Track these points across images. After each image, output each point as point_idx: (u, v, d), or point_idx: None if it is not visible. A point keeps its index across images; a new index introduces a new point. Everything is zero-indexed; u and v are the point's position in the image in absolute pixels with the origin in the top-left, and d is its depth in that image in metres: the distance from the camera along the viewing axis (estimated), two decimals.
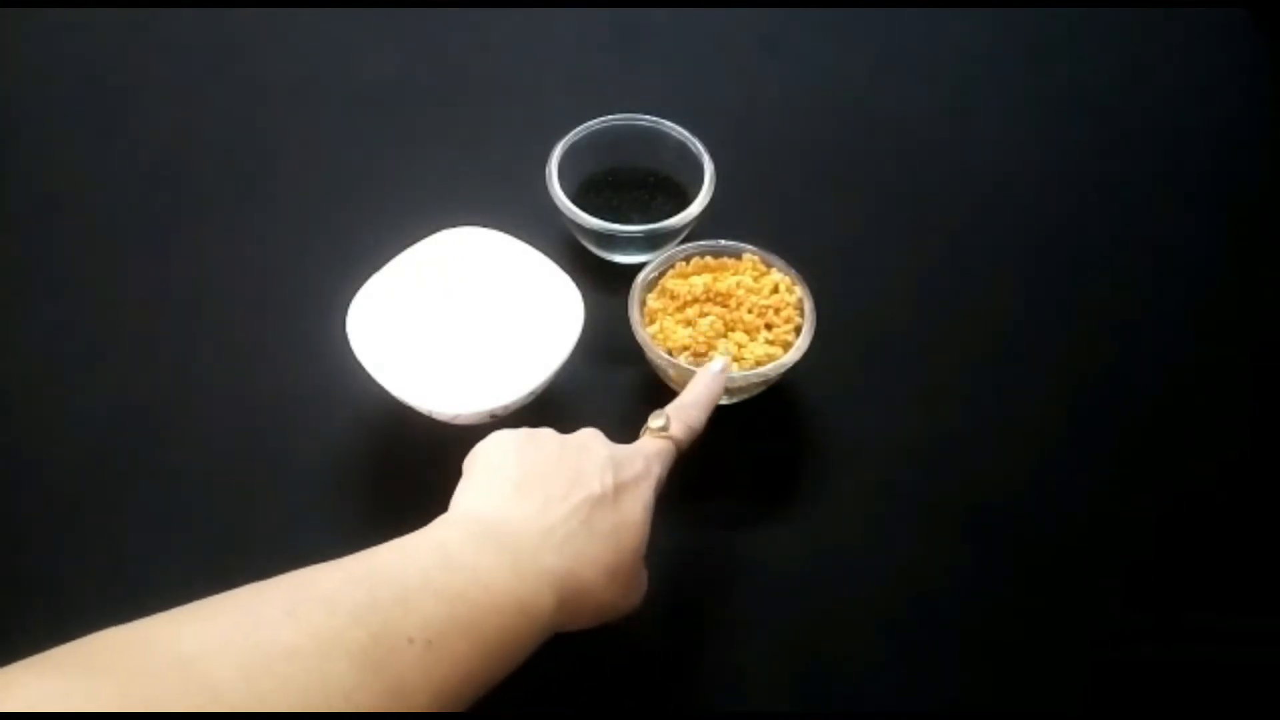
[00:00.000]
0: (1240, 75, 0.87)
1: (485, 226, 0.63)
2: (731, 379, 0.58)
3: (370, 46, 0.85)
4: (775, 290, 0.63)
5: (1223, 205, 0.77)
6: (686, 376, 0.57)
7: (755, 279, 0.64)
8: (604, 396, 0.64)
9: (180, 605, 0.37)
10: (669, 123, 0.71)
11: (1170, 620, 0.56)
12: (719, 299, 0.63)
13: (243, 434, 0.62)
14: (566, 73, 0.84)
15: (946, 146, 0.80)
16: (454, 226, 0.63)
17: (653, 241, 0.67)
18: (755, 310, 0.62)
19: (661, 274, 0.65)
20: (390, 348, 0.59)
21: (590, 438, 0.50)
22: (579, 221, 0.67)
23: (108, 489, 0.59)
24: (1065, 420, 0.65)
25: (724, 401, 0.58)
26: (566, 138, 0.69)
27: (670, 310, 0.63)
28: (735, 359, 0.60)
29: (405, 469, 0.60)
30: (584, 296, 0.60)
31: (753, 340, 0.61)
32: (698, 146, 0.70)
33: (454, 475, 0.48)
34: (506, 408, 0.57)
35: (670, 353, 0.61)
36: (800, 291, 0.63)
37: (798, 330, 0.62)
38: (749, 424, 0.62)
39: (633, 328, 0.61)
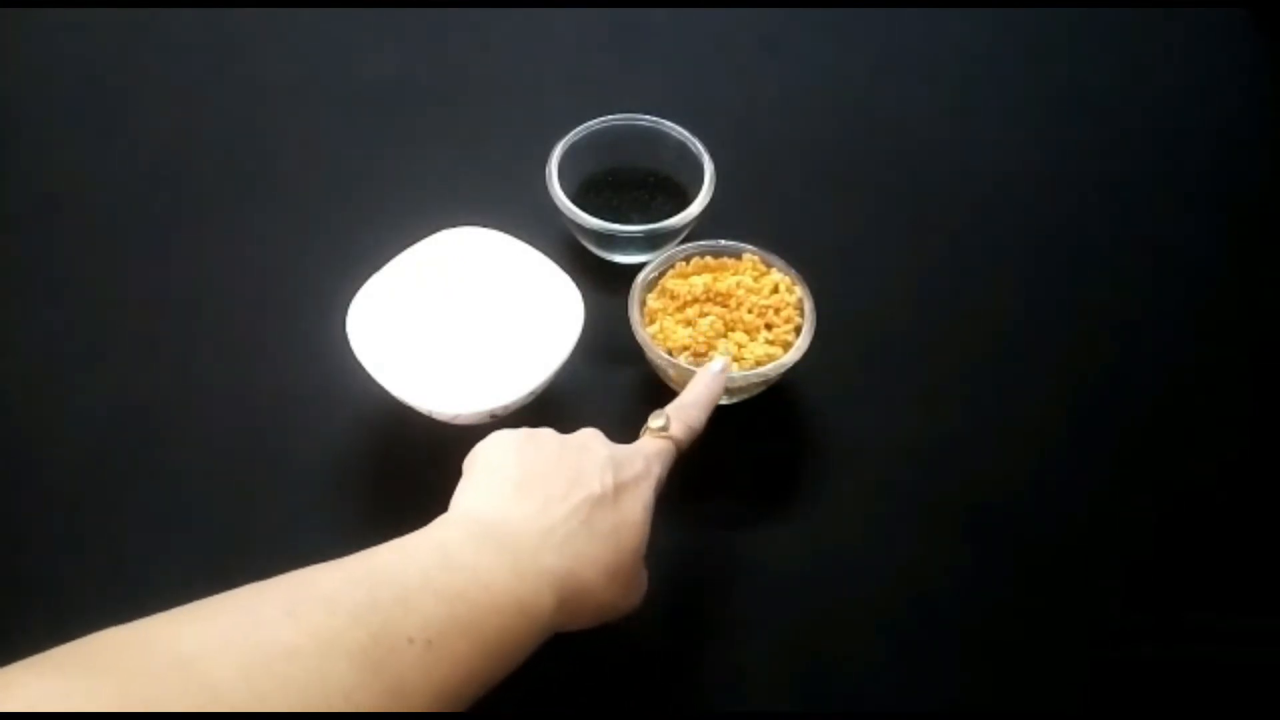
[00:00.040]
0: (1240, 75, 0.87)
1: (485, 226, 0.63)
2: (731, 379, 0.58)
3: (370, 46, 0.85)
4: (775, 290, 0.63)
5: (1223, 205, 0.77)
6: (686, 376, 0.57)
7: (755, 279, 0.64)
8: (604, 396, 0.64)
9: (180, 605, 0.37)
10: (669, 123, 0.71)
11: (1170, 620, 0.56)
12: (719, 299, 0.63)
13: (243, 434, 0.62)
14: (566, 73, 0.84)
15: (946, 146, 0.80)
16: (454, 226, 0.63)
17: (653, 241, 0.67)
18: (755, 310, 0.62)
19: (661, 274, 0.65)
20: (390, 348, 0.59)
21: (590, 438, 0.50)
22: (579, 221, 0.67)
23: (108, 489, 0.59)
24: (1065, 420, 0.65)
25: (724, 401, 0.58)
26: (566, 138, 0.69)
27: (670, 310, 0.63)
28: (735, 359, 0.60)
29: (405, 469, 0.60)
30: (584, 296, 0.60)
31: (753, 340, 0.61)
32: (698, 146, 0.70)
33: (454, 475, 0.48)
34: (506, 408, 0.57)
35: (670, 353, 0.61)
36: (800, 291, 0.63)
37: (798, 330, 0.62)
38: (749, 424, 0.62)
39: (633, 328, 0.61)
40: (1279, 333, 0.70)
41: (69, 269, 0.70)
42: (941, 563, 0.58)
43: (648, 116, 0.71)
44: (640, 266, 0.64)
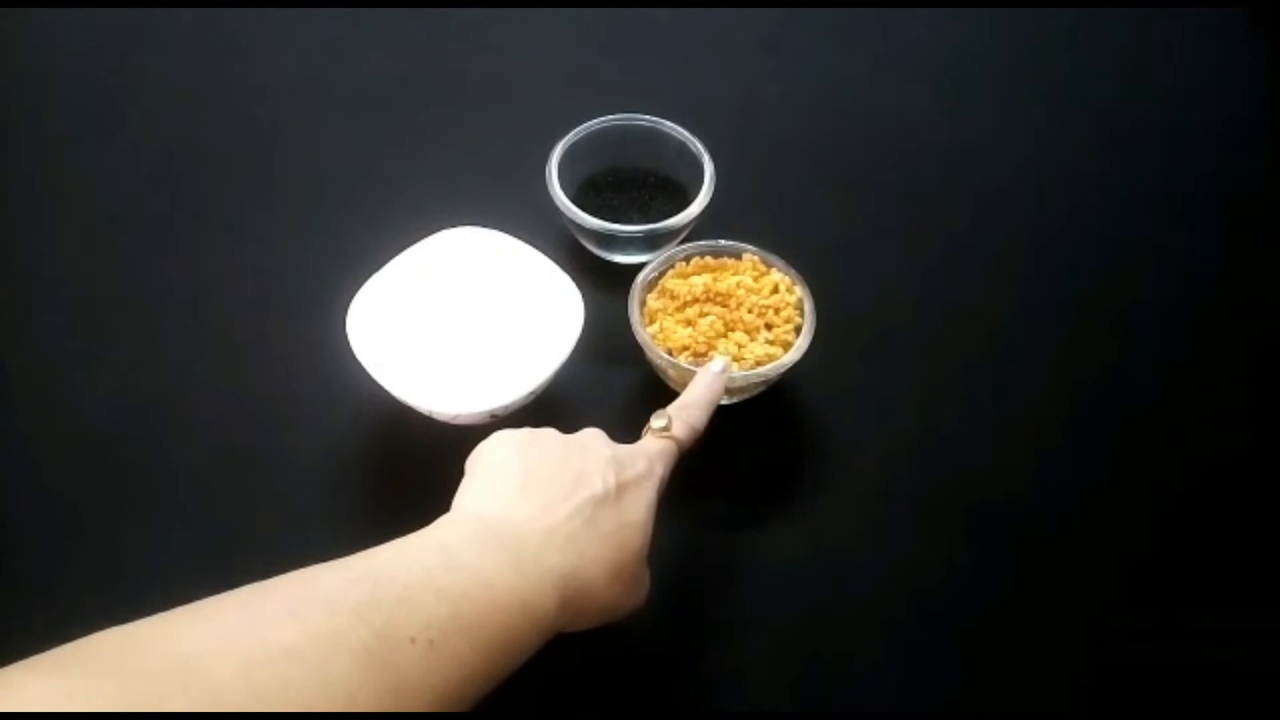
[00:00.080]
0: (1240, 75, 0.87)
1: (485, 226, 0.63)
2: (731, 379, 0.58)
3: (370, 46, 0.85)
4: (775, 290, 0.63)
5: (1223, 205, 0.77)
6: (687, 376, 0.57)
7: (755, 279, 0.64)
8: (604, 396, 0.64)
9: (180, 605, 0.37)
10: (669, 123, 0.71)
11: (1170, 620, 0.56)
12: (719, 299, 0.63)
13: (243, 434, 0.62)
14: (566, 73, 0.84)
15: (946, 146, 0.80)
16: (454, 226, 0.63)
17: (653, 241, 0.67)
18: (755, 310, 0.62)
19: (661, 274, 0.65)
20: (390, 348, 0.59)
21: (593, 438, 0.50)
22: (579, 221, 0.67)
23: (108, 489, 0.59)
24: (1065, 420, 0.65)
25: (724, 401, 0.58)
26: (566, 138, 0.69)
27: (670, 310, 0.63)
28: (735, 359, 0.60)
29: (405, 469, 0.60)
30: (584, 296, 0.60)
31: (753, 340, 0.61)
32: (698, 146, 0.70)
33: (454, 475, 0.48)
34: (507, 408, 0.57)
35: (670, 353, 0.61)
36: (800, 291, 0.63)
37: (798, 330, 0.62)
38: (749, 424, 0.62)
39: (633, 328, 0.61)
40: (1279, 333, 0.70)
41: (69, 269, 0.70)
42: (941, 562, 0.58)
43: (648, 116, 0.71)
44: (640, 266, 0.64)
